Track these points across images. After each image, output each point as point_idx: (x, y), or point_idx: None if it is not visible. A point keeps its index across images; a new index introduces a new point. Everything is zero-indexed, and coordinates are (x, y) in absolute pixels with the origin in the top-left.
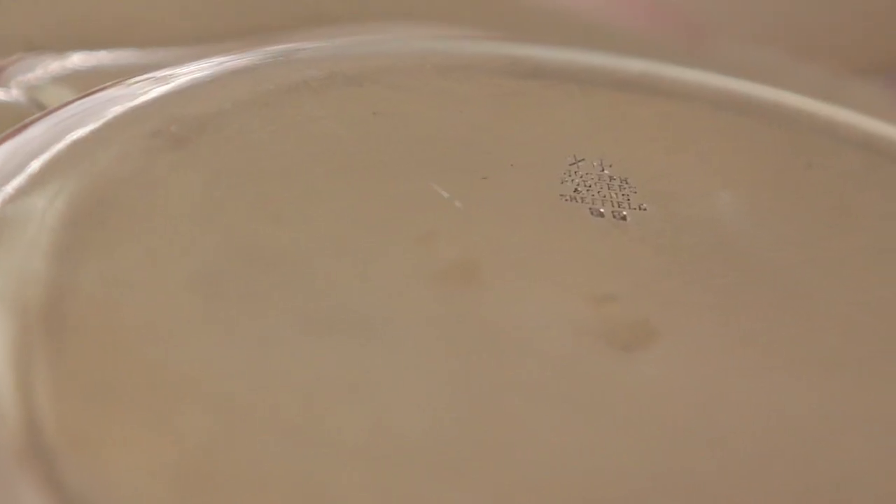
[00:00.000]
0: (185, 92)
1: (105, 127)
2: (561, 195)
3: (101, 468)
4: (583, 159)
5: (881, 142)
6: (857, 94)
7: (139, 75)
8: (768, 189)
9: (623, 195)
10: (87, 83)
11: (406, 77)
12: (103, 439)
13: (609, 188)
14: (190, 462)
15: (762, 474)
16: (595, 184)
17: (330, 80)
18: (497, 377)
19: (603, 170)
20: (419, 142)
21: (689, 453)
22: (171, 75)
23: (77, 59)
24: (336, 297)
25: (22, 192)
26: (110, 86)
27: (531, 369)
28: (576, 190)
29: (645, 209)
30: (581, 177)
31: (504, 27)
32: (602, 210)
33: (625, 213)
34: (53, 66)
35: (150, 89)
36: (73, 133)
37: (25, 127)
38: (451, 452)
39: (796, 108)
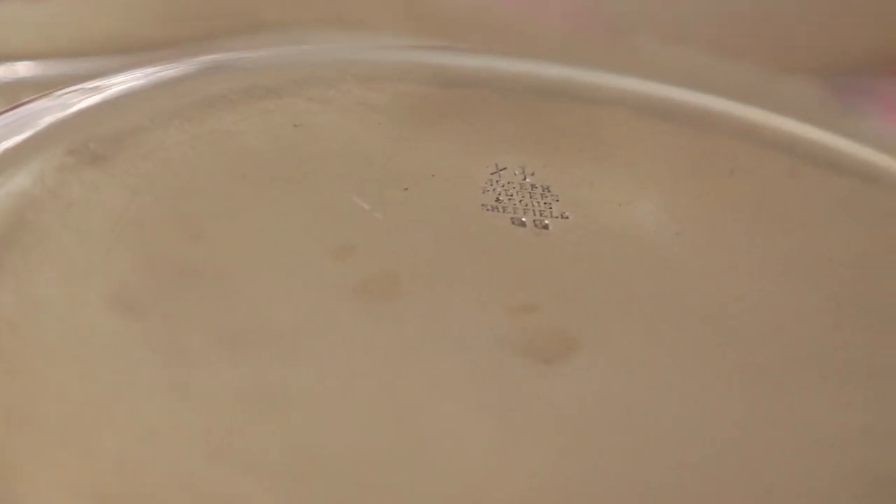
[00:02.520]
0: (105, 106)
1: (22, 145)
2: (482, 205)
3: (18, 489)
4: (504, 168)
5: (806, 144)
6: (782, 96)
7: (69, 86)
8: (691, 196)
9: (545, 204)
10: (13, 95)
11: (326, 88)
12: (20, 461)
13: (531, 197)
14: (107, 482)
15: (681, 483)
16: (517, 193)
17: (250, 92)
18: (417, 391)
19: (525, 178)
20: (340, 154)
21: (608, 464)
22: (100, 86)
23: (1, 72)
24: (255, 312)
25: None
26: (38, 98)
27: (451, 383)
28: (497, 199)
29: (567, 217)
30: (503, 186)
31: (425, 35)
32: (524, 219)
33: (546, 221)
34: None
35: (78, 101)
36: None
37: None
38: (371, 468)
39: (720, 112)
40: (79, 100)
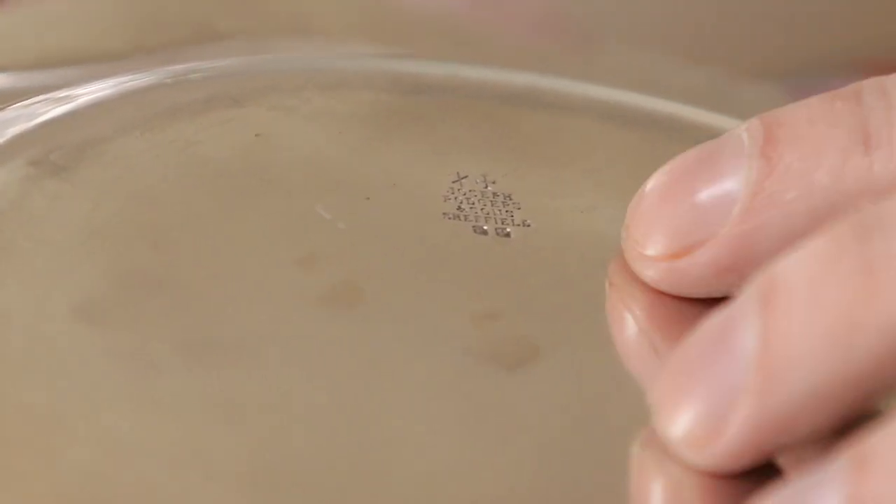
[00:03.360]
0: (67, 117)
1: None
2: (444, 213)
3: None
4: (466, 176)
5: None
6: (746, 102)
7: (31, 97)
8: None
9: (507, 212)
10: None
11: (288, 97)
12: None
13: (493, 205)
14: (71, 491)
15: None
16: (479, 201)
17: (212, 102)
18: (380, 399)
19: (487, 186)
20: (302, 163)
21: (572, 470)
22: (62, 97)
23: None
24: (217, 321)
25: None
26: (4, 107)
27: (415, 390)
28: (459, 208)
29: (529, 225)
30: (465, 194)
31: (386, 43)
32: (485, 227)
33: (508, 229)
34: None
35: (40, 112)
36: None
37: None
38: (335, 475)
39: (683, 119)
40: (41, 111)
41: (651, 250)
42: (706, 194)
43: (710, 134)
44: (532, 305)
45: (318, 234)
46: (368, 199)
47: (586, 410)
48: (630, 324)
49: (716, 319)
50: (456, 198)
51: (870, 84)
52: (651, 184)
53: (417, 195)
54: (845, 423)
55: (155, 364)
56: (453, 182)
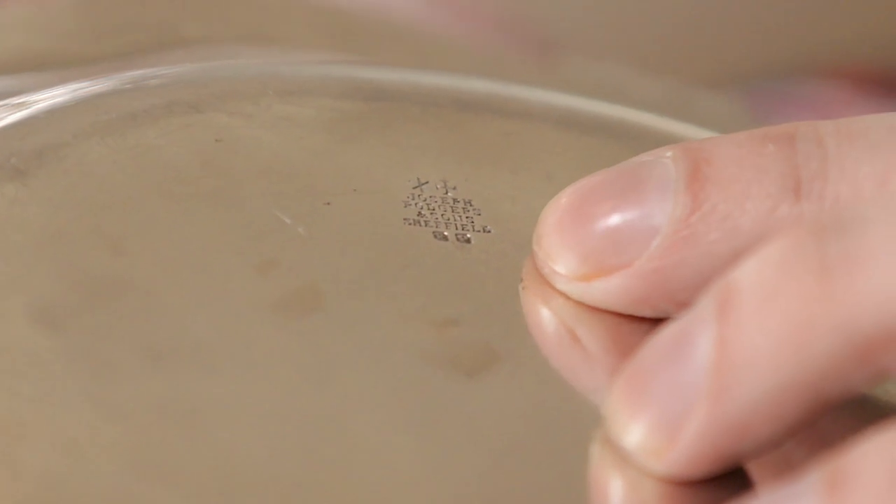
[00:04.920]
0: (26, 122)
1: None
2: (404, 219)
3: None
4: (426, 182)
5: None
6: (704, 109)
7: None
8: None
9: (467, 217)
10: None
11: (247, 103)
12: None
13: (453, 211)
14: (29, 497)
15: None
16: (439, 206)
17: (172, 107)
18: (339, 404)
19: (447, 192)
20: (261, 168)
21: (530, 477)
22: (21, 102)
23: None
24: (177, 326)
25: None
26: None
27: (373, 396)
28: (419, 213)
29: (489, 231)
30: (425, 200)
31: (346, 50)
32: (446, 233)
33: (469, 235)
34: None
35: (4, 116)
36: None
37: None
38: (293, 481)
39: (642, 126)
40: (3, 116)
41: (562, 268)
42: (626, 220)
43: (669, 141)
44: (492, 311)
45: (278, 239)
46: (328, 204)
47: (545, 416)
48: (548, 321)
49: (672, 328)
50: (416, 203)
51: (805, 130)
52: (568, 196)
53: (377, 201)
54: (804, 428)
55: (113, 370)
56: (413, 188)
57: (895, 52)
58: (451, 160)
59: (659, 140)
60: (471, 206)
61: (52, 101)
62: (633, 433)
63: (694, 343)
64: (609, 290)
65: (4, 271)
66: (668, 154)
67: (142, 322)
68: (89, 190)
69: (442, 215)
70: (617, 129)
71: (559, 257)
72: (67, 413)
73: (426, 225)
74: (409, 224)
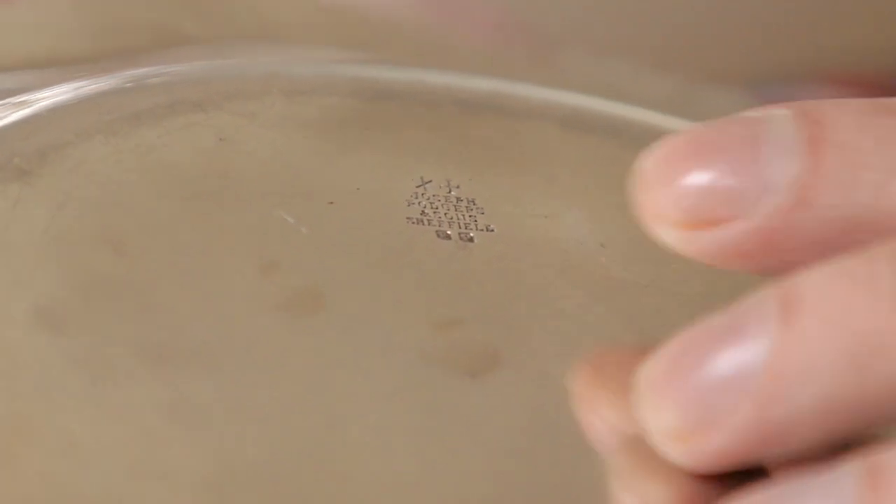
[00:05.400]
0: (30, 121)
1: None
2: (408, 218)
3: None
4: (430, 181)
5: None
6: (707, 107)
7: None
8: (616, 208)
9: (470, 217)
10: None
11: (251, 102)
12: None
13: (456, 210)
14: (30, 497)
15: (600, 496)
16: (442, 206)
17: (175, 107)
18: (342, 405)
19: (450, 191)
20: (265, 168)
21: (533, 477)
22: (25, 101)
23: None
24: (179, 327)
25: None
26: None
27: (375, 396)
28: (423, 212)
29: (492, 230)
30: (428, 199)
31: (349, 49)
32: (449, 232)
33: (472, 234)
34: None
35: (3, 116)
36: None
37: None
38: (295, 482)
39: (646, 124)
40: (3, 115)
41: (669, 215)
42: (743, 174)
43: None
44: (494, 312)
45: (281, 238)
46: (332, 203)
47: (547, 417)
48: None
49: (726, 315)
50: (419, 203)
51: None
52: (678, 140)
53: (381, 200)
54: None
55: (115, 370)
56: (417, 187)
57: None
58: (455, 159)
59: (661, 139)
60: (474, 205)
61: (54, 101)
62: (664, 413)
63: (750, 340)
64: (714, 242)
65: (7, 271)
66: (784, 112)
67: (143, 322)
68: (92, 189)
69: (445, 214)
70: (620, 128)
71: (665, 206)
72: (69, 413)
73: (429, 224)
74: (413, 223)
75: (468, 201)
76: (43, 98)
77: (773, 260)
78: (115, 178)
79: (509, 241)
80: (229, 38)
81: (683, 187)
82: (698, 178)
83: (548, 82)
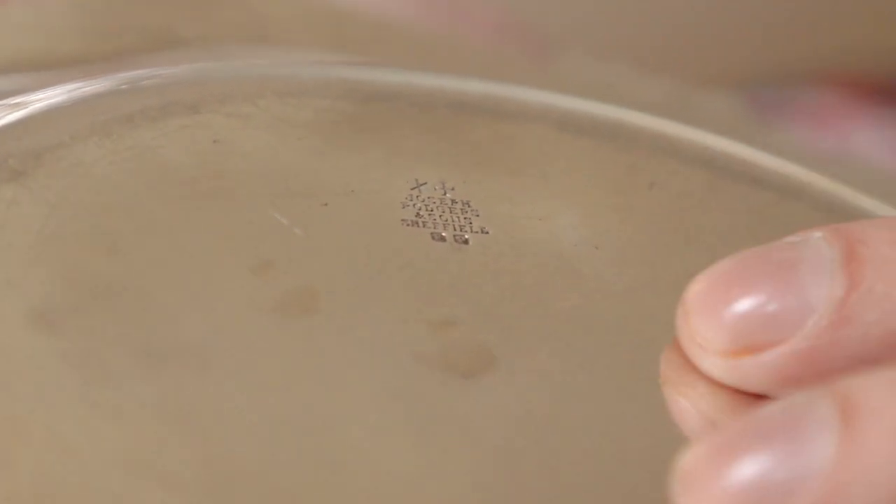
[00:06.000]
0: (24, 123)
1: None
2: (402, 220)
3: None
4: (424, 183)
5: (725, 159)
6: (702, 111)
7: None
8: (611, 210)
9: (465, 219)
10: None
11: (245, 104)
12: None
13: (451, 212)
14: (24, 498)
15: (600, 498)
16: (437, 208)
17: (169, 108)
18: (336, 406)
19: (445, 193)
20: (259, 169)
21: (526, 479)
22: (19, 103)
23: None
24: (174, 327)
25: None
26: None
27: (370, 397)
28: (417, 214)
29: (487, 232)
30: (423, 201)
31: (344, 51)
32: (444, 234)
33: (466, 236)
34: None
35: (1, 117)
36: None
37: None
38: (289, 483)
39: (639, 127)
40: (1, 116)
41: (711, 341)
42: (780, 299)
43: (668, 143)
44: (489, 313)
45: (276, 240)
46: (326, 205)
47: (541, 419)
48: (692, 416)
49: (781, 414)
50: (414, 204)
51: None
52: (718, 273)
53: (375, 202)
54: None
55: (109, 371)
56: (412, 189)
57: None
58: (449, 161)
59: (655, 143)
60: (469, 207)
61: (49, 102)
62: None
63: (810, 440)
64: (759, 367)
65: (2, 272)
66: (819, 234)
67: (139, 323)
68: (87, 191)
69: (440, 216)
70: (615, 131)
71: (710, 332)
72: (64, 413)
73: (424, 226)
74: (407, 225)
75: (463, 203)
76: (37, 100)
77: (819, 382)
78: (110, 180)
79: (504, 243)
80: (223, 41)
81: (727, 316)
82: (741, 306)
83: (543, 84)
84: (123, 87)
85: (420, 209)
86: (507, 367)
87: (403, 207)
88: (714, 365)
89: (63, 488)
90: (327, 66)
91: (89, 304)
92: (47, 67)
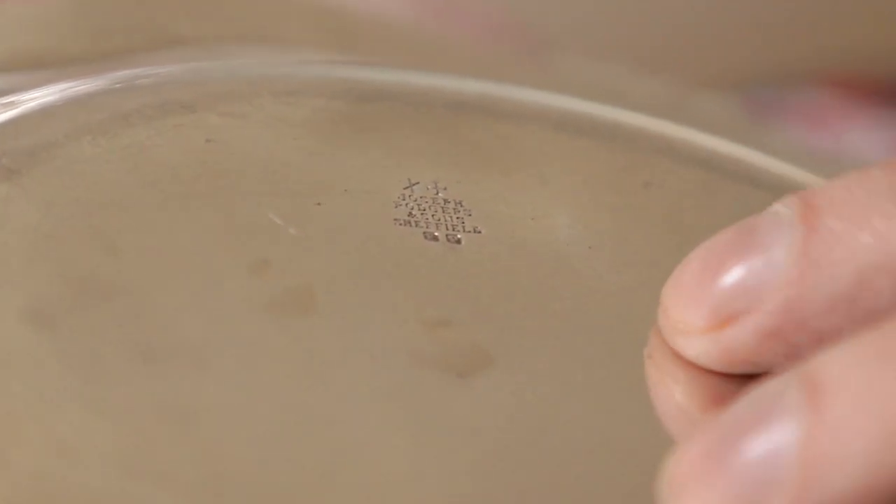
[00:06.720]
0: (18, 121)
1: None
2: (395, 219)
3: None
4: (417, 183)
5: (720, 159)
6: (698, 111)
7: None
8: (605, 210)
9: (458, 218)
10: None
11: (240, 103)
12: None
13: (444, 211)
14: (21, 497)
15: (596, 497)
16: (430, 207)
17: (164, 107)
18: (332, 405)
19: (438, 193)
20: (254, 168)
21: (522, 478)
22: (13, 101)
23: None
24: (169, 326)
25: None
26: None
27: (365, 397)
28: (410, 214)
29: (480, 232)
30: (416, 200)
31: (339, 50)
32: (436, 234)
33: (459, 236)
34: None
35: None
36: None
37: None
38: (285, 482)
39: (635, 127)
40: None
41: (692, 324)
42: (748, 264)
43: (664, 144)
44: (483, 312)
45: (270, 239)
46: (320, 204)
47: (536, 418)
48: (671, 397)
49: (749, 406)
50: (407, 204)
51: None
52: (688, 261)
53: (369, 201)
54: None
55: (105, 369)
56: (404, 188)
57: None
58: (443, 161)
59: (651, 143)
60: (461, 206)
61: (43, 101)
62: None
63: (778, 430)
64: (742, 333)
65: None
66: (779, 204)
67: (134, 322)
68: (82, 190)
69: (433, 216)
70: (611, 131)
71: (688, 314)
72: (59, 412)
73: (417, 225)
74: (400, 224)
75: (456, 203)
76: (31, 98)
77: (804, 332)
78: (105, 179)
79: (497, 242)
80: (219, 40)
81: (702, 296)
82: (713, 282)
83: (538, 84)
84: (118, 85)
85: (413, 209)
86: (503, 367)
87: (396, 207)
88: (699, 345)
89: (58, 487)
90: (323, 65)
91: (85, 303)
92: (42, 66)
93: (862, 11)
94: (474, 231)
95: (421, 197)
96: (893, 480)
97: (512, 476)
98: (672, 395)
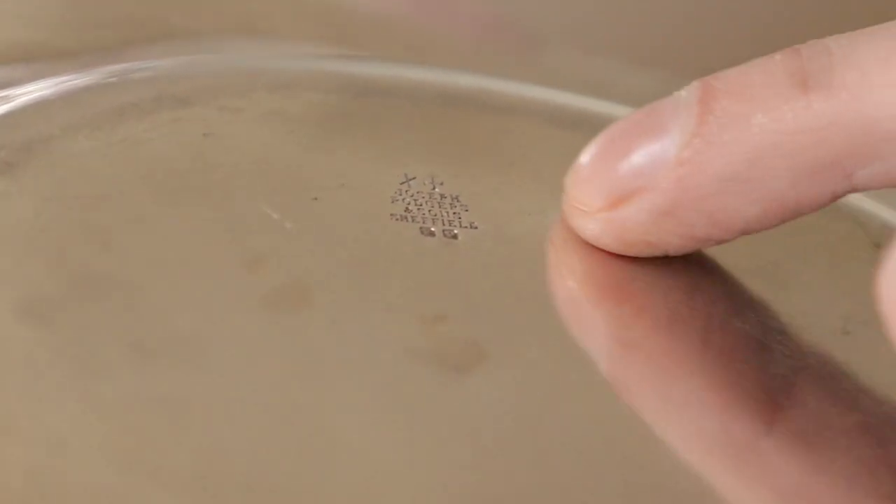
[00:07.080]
0: (15, 115)
1: None
2: (392, 215)
3: None
4: (414, 178)
5: None
6: None
7: None
8: None
9: (454, 213)
10: None
11: (236, 97)
12: None
13: (440, 207)
14: (15, 492)
15: (590, 491)
16: (426, 202)
17: (160, 101)
18: (327, 400)
19: (434, 188)
20: (250, 163)
21: (517, 473)
22: (9, 95)
23: None
24: (164, 321)
25: None
26: None
27: (361, 391)
28: (407, 209)
29: (476, 227)
30: (412, 196)
31: (335, 45)
32: (433, 229)
33: (456, 231)
34: None
35: None
36: None
37: None
38: (280, 477)
39: None
40: None
41: (591, 203)
42: (645, 145)
43: None
44: (479, 307)
45: (266, 234)
46: (316, 199)
47: (533, 413)
48: (569, 282)
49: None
50: (403, 199)
51: (810, 42)
52: (589, 145)
53: (365, 196)
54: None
55: (100, 364)
56: (401, 183)
57: None
58: (439, 156)
59: None
60: (458, 201)
61: (39, 95)
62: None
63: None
64: (636, 213)
65: None
66: (685, 89)
67: (129, 317)
68: (77, 183)
69: (429, 211)
70: (605, 125)
71: (587, 195)
72: (54, 408)
73: (413, 221)
74: (396, 220)
75: (452, 198)
76: (28, 92)
77: (696, 211)
78: (101, 172)
79: (493, 237)
80: (215, 34)
81: (600, 177)
82: (612, 163)
83: (533, 79)
84: (114, 80)
85: (409, 204)
86: (498, 361)
87: (393, 202)
88: (596, 225)
89: (53, 482)
90: (318, 59)
91: (80, 297)
92: (38, 60)
93: (862, 11)
94: (471, 226)
95: (417, 192)
96: (751, 185)
97: (507, 470)
98: (566, 281)
